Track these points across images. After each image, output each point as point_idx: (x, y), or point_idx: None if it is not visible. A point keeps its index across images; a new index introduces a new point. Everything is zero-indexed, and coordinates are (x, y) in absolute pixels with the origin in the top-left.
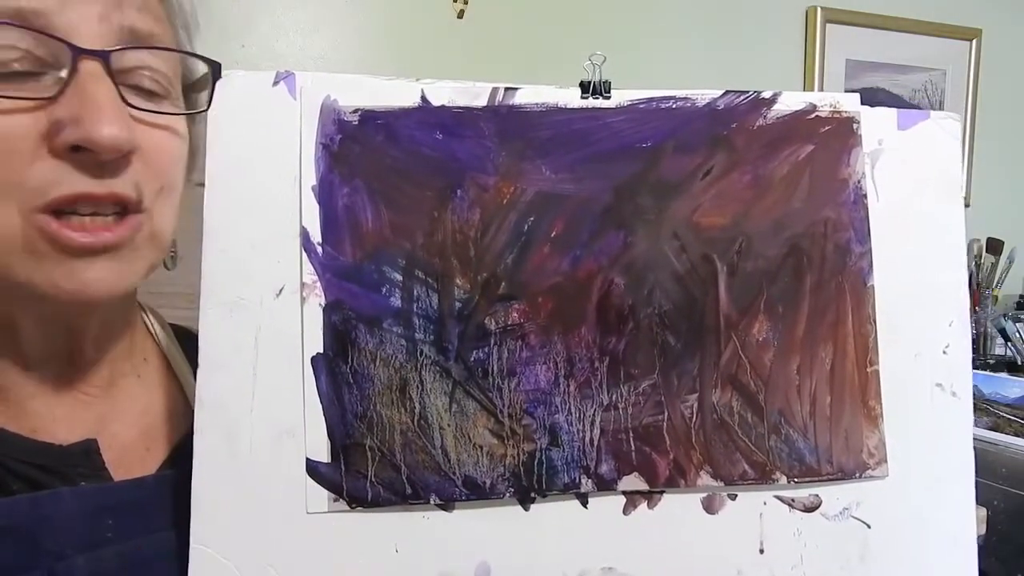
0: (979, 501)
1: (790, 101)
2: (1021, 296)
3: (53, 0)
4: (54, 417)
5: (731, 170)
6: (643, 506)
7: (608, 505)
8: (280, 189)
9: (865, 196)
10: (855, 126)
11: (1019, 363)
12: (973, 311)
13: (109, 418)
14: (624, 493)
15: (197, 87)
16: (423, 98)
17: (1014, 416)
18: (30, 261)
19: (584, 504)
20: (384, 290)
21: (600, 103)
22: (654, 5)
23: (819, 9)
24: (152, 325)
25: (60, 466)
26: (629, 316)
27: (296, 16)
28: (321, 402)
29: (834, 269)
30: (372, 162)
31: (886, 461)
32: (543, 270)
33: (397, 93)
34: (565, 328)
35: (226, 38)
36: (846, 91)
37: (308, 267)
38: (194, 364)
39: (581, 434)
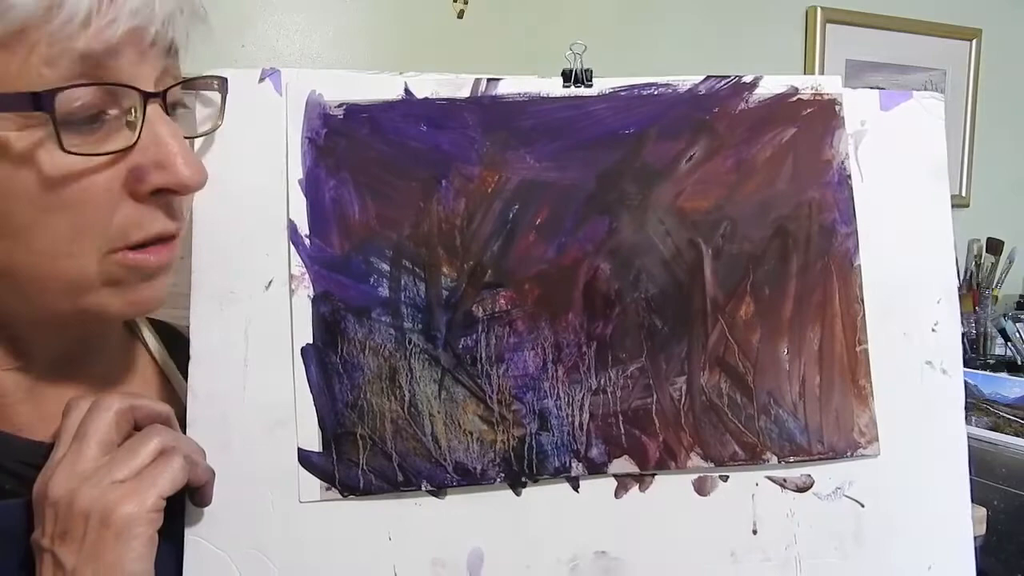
0: (979, 501)
1: (771, 85)
2: (1021, 296)
3: (127, 46)
4: (41, 415)
5: (714, 154)
6: (634, 489)
7: (599, 489)
8: (267, 183)
9: (849, 177)
10: (837, 108)
11: (1019, 363)
12: (973, 311)
13: None
14: (615, 476)
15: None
16: (407, 91)
17: (1014, 416)
18: (106, 291)
19: (575, 488)
20: (372, 280)
21: (582, 91)
22: (654, 5)
23: (819, 9)
24: (141, 328)
25: None
26: (616, 301)
27: (296, 16)
28: (312, 392)
29: (820, 250)
30: (358, 155)
31: (877, 440)
32: (529, 257)
33: (381, 86)
34: (552, 314)
35: (226, 37)
36: None
37: (296, 259)
38: (184, 363)
39: (570, 418)
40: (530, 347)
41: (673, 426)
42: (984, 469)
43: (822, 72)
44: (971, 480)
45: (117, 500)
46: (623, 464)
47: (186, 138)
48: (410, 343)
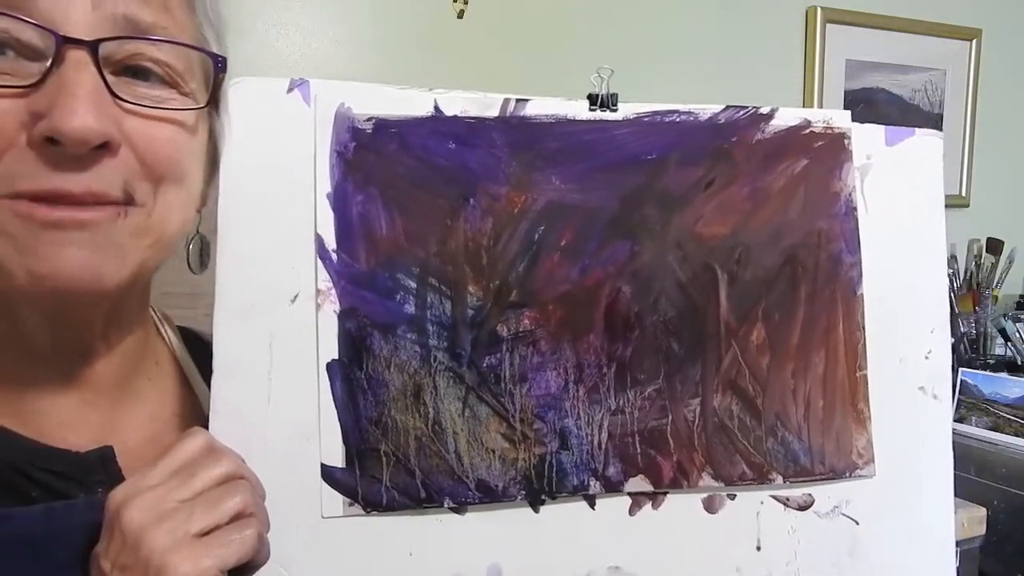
0: (979, 501)
1: (786, 116)
2: (1021, 296)
3: None
4: (61, 420)
5: (731, 182)
6: (647, 507)
7: (614, 506)
8: (294, 196)
9: (855, 209)
10: (846, 141)
11: (1019, 363)
12: (973, 311)
13: (120, 423)
14: (630, 494)
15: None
16: (436, 108)
17: (1014, 416)
18: (6, 244)
19: (592, 506)
20: (398, 297)
21: (607, 115)
22: (654, 4)
23: (819, 9)
24: (164, 328)
25: (78, 474)
26: (635, 323)
27: (296, 16)
28: (336, 408)
29: (827, 278)
30: (386, 170)
31: (873, 461)
32: (553, 278)
33: (410, 102)
34: (574, 335)
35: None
36: (846, 91)
37: (323, 274)
38: (204, 368)
39: (590, 437)
40: (552, 367)
41: (686, 446)
42: (984, 469)
43: (822, 71)
44: (971, 480)
45: (178, 561)
46: (639, 483)
47: (152, 108)
48: (435, 360)
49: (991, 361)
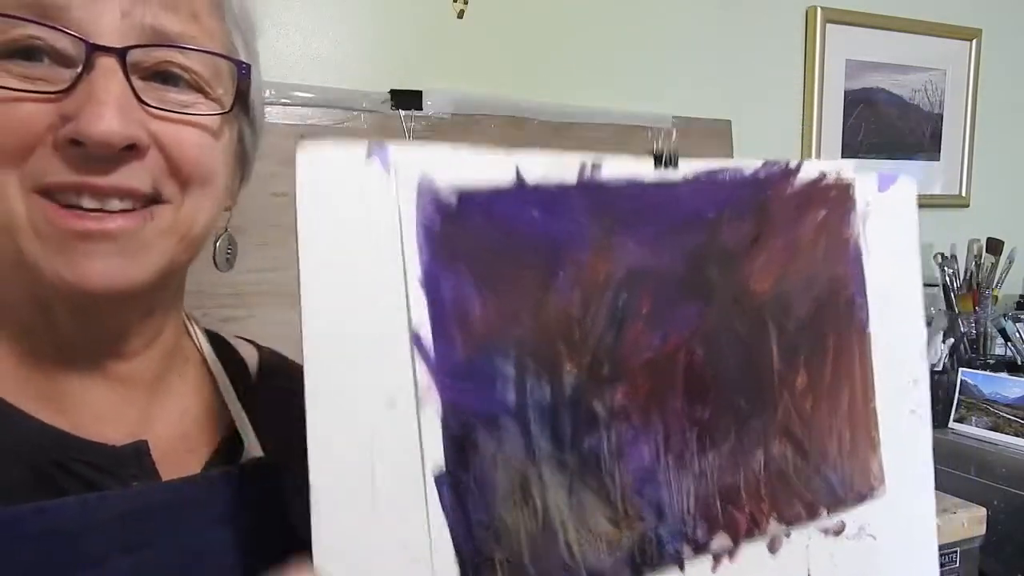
0: (979, 501)
1: (809, 169)
2: (1021, 296)
3: None
4: (98, 413)
5: (773, 236)
6: (725, 560)
7: (700, 565)
8: (383, 280)
9: (861, 253)
10: (851, 191)
11: (1019, 363)
12: (973, 311)
13: (154, 417)
14: (713, 553)
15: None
16: (518, 174)
17: (1014, 416)
18: (36, 243)
19: (681, 568)
20: (498, 385)
21: (670, 174)
22: (654, 4)
23: (819, 9)
24: (192, 327)
25: (113, 467)
26: (711, 384)
27: (296, 16)
28: (446, 519)
29: (846, 321)
30: (473, 246)
31: (884, 481)
32: (639, 347)
33: (492, 167)
34: (661, 404)
35: None
36: (846, 91)
37: (421, 369)
38: (228, 367)
39: (680, 504)
40: (644, 440)
41: (755, 497)
42: (984, 469)
43: (822, 71)
44: (971, 480)
45: None
46: (721, 540)
47: (177, 113)
48: (540, 449)
49: (991, 361)
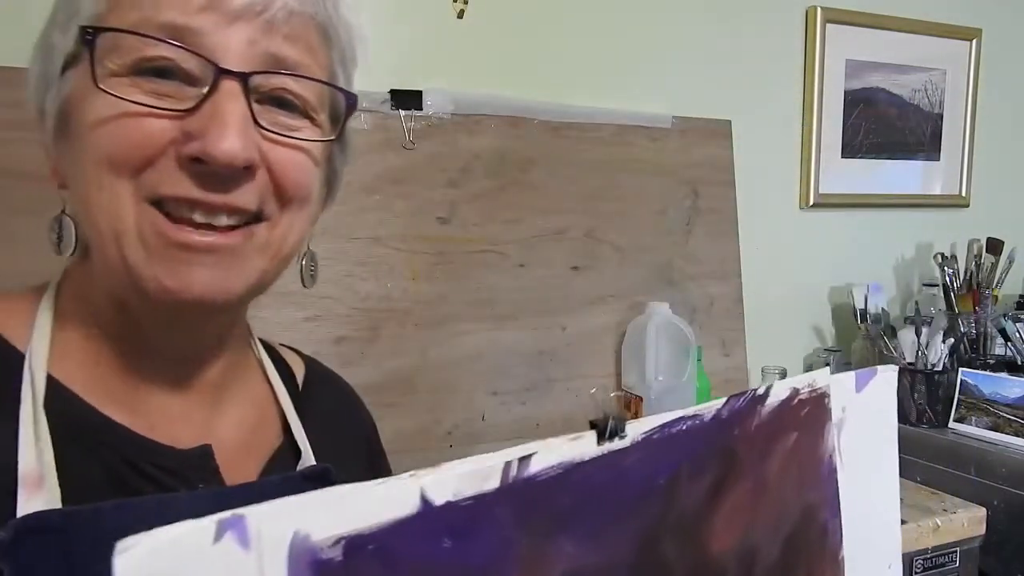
0: (979, 501)
1: (778, 392)
2: (1021, 296)
3: (209, 21)
4: (171, 416)
5: (737, 481)
6: None
7: None
8: None
9: (835, 469)
10: (827, 400)
11: (1019, 363)
12: (973, 311)
13: (218, 422)
14: None
15: (342, 117)
16: (423, 498)
17: (1014, 416)
18: (141, 251)
19: None
20: None
21: (616, 445)
22: (654, 4)
23: (819, 9)
24: (250, 334)
25: (181, 469)
26: None
27: None
28: None
29: (818, 552)
30: None
31: None
32: None
33: (389, 499)
34: None
35: None
36: (846, 91)
37: None
38: (280, 372)
39: None
40: None
41: None
42: (984, 469)
43: (822, 71)
44: (971, 480)
45: None
46: None
47: (287, 136)
48: None
49: (991, 361)
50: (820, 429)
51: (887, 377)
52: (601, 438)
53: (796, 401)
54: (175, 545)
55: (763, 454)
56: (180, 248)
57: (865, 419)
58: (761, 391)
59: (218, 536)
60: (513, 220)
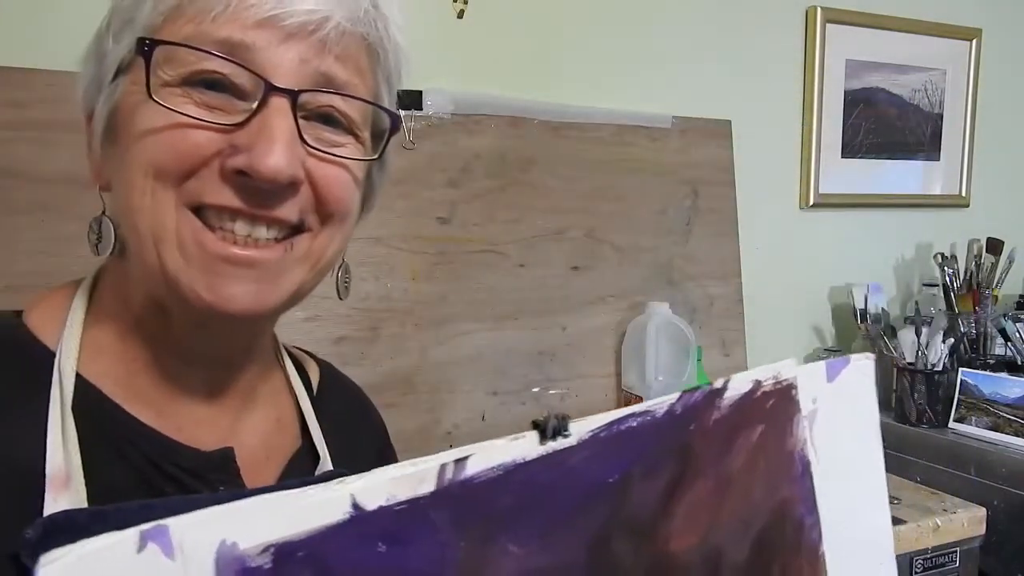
0: (979, 501)
1: (738, 384)
2: (1021, 296)
3: (263, 38)
4: (198, 419)
5: (696, 479)
6: None
7: None
8: None
9: (809, 463)
10: (794, 392)
11: (1019, 363)
12: (973, 311)
13: (240, 426)
14: None
15: (383, 135)
16: (354, 504)
17: (1014, 416)
18: (180, 258)
19: None
20: None
21: (559, 444)
22: (654, 4)
23: (819, 9)
24: (275, 339)
25: (203, 471)
26: None
27: None
28: None
29: (794, 549)
30: None
31: None
32: None
33: (319, 507)
34: None
35: None
36: (846, 91)
37: None
38: (300, 375)
39: None
40: None
41: None
42: (984, 469)
43: (822, 71)
44: (971, 480)
45: None
46: None
47: (331, 154)
48: None
49: (991, 361)
50: (788, 422)
51: (862, 366)
52: (543, 437)
53: (759, 393)
54: (99, 556)
55: (724, 450)
56: (221, 260)
57: (841, 410)
58: (719, 384)
59: (141, 546)
60: (513, 220)
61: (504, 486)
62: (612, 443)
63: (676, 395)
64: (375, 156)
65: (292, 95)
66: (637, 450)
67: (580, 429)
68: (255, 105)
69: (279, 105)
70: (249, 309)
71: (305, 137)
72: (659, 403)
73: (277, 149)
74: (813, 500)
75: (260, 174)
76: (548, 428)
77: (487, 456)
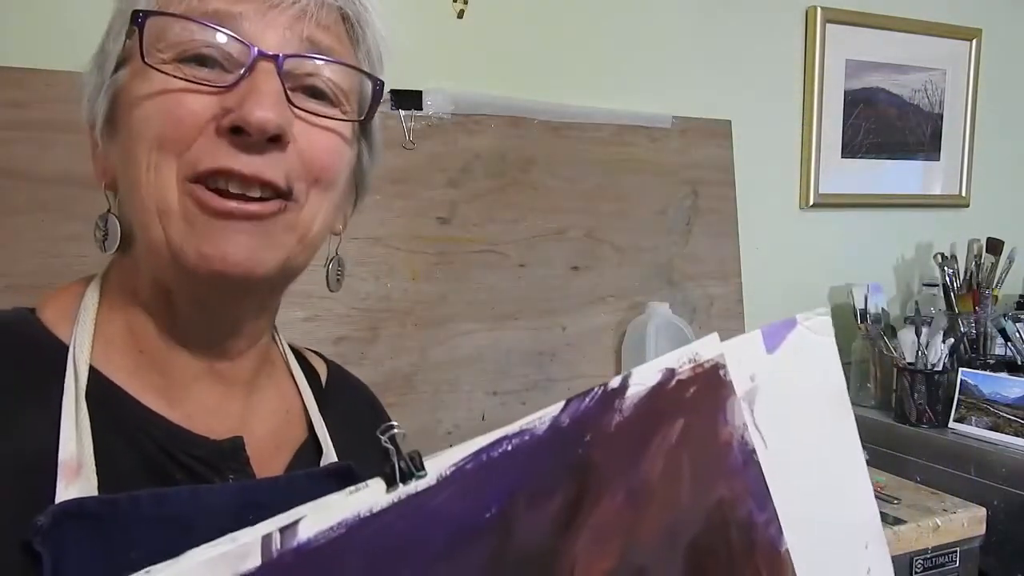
0: (979, 501)
1: (643, 377)
2: (1021, 296)
3: (249, 9)
4: (207, 408)
5: (601, 496)
6: None
7: None
8: None
9: (753, 451)
10: (722, 372)
11: (1019, 363)
12: (973, 311)
13: (249, 415)
14: None
15: (370, 105)
16: None
17: (1014, 416)
18: (184, 226)
19: None
20: None
21: (414, 487)
22: (654, 4)
23: (819, 9)
24: (277, 334)
25: (214, 459)
26: None
27: None
28: None
29: (744, 553)
30: None
31: None
32: None
33: None
34: None
35: None
36: (846, 91)
37: None
38: (304, 370)
39: None
40: None
41: None
42: (984, 469)
43: (822, 72)
44: (971, 480)
45: None
46: None
47: (317, 116)
48: None
49: (991, 361)
50: (718, 409)
51: (814, 325)
52: (391, 484)
53: (674, 383)
54: None
55: (634, 457)
56: (220, 216)
57: (791, 382)
58: (615, 384)
59: None
60: (513, 220)
61: (351, 545)
62: (482, 474)
63: (559, 405)
64: (360, 117)
65: (278, 60)
66: (517, 477)
67: (439, 465)
68: (243, 71)
69: (266, 68)
70: (247, 264)
71: (292, 101)
72: (537, 418)
73: (265, 102)
74: (764, 492)
75: (249, 124)
76: (395, 472)
77: (323, 516)
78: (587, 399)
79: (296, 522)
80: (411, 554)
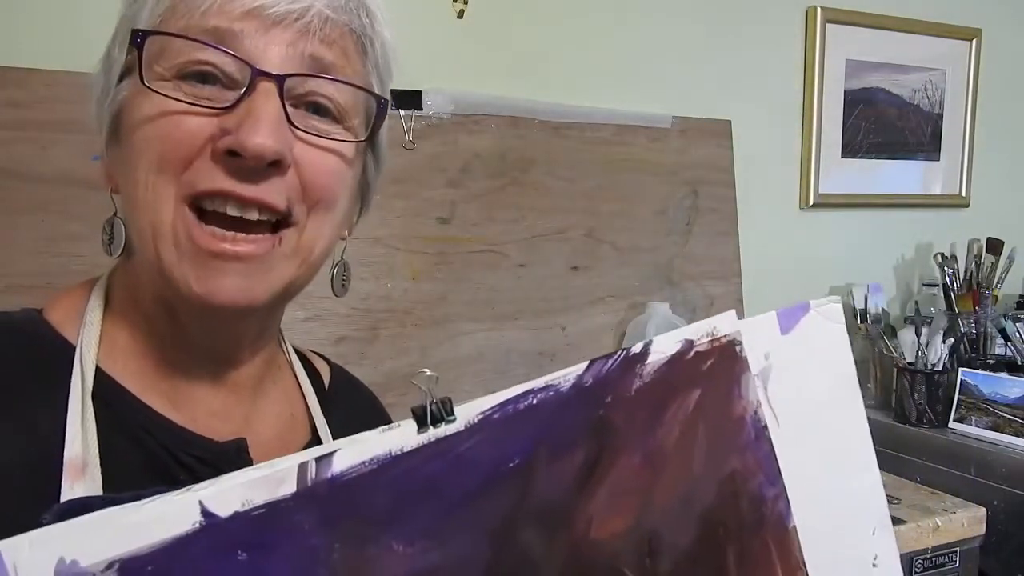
0: (979, 501)
1: (663, 346)
2: (1021, 296)
3: (249, 27)
4: (211, 410)
5: (618, 456)
6: None
7: None
8: None
9: (766, 427)
10: (738, 348)
11: (1019, 363)
12: (973, 311)
13: (254, 418)
14: None
15: (376, 122)
16: (204, 511)
17: (1014, 416)
18: (176, 254)
19: None
20: None
21: (443, 430)
22: (654, 4)
23: (819, 9)
24: (282, 338)
25: (216, 460)
26: None
27: None
28: None
29: (753, 527)
30: None
31: None
32: None
33: (164, 517)
34: None
35: None
36: (846, 91)
37: None
38: (310, 375)
39: None
40: None
41: None
42: (984, 469)
43: (822, 71)
44: (971, 480)
45: None
46: None
47: (319, 137)
48: None
49: (991, 361)
50: (733, 383)
51: (826, 311)
52: (422, 425)
53: (692, 354)
54: None
55: (652, 422)
56: (209, 256)
57: (803, 364)
58: (637, 349)
59: None
60: (513, 220)
61: (381, 481)
62: (508, 425)
63: (583, 365)
64: (363, 139)
65: (279, 79)
66: (540, 430)
67: (468, 412)
68: (243, 91)
69: (266, 89)
70: (236, 302)
71: (293, 121)
72: (563, 375)
73: (263, 127)
74: (775, 469)
75: (247, 150)
76: (427, 414)
77: (357, 451)
78: (610, 361)
79: (331, 453)
80: (436, 496)
